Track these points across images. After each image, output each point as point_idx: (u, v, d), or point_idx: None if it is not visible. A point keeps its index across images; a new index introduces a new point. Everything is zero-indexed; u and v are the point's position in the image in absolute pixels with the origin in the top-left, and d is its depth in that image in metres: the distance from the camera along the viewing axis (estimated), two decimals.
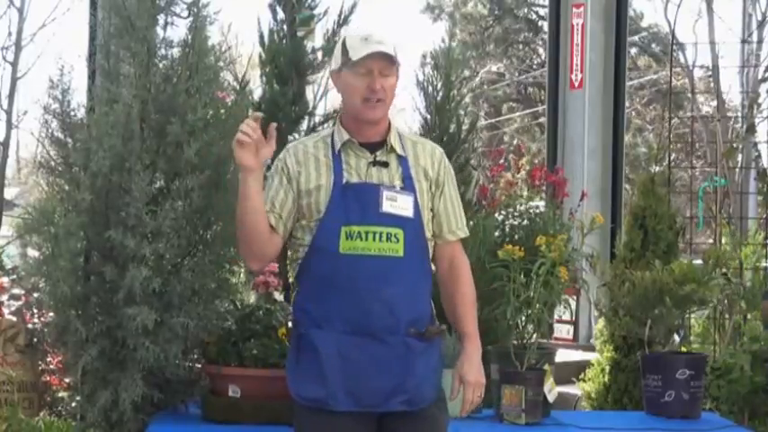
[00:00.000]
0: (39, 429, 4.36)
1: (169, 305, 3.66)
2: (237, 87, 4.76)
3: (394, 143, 3.06)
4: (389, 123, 3.09)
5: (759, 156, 9.11)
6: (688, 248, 6.11)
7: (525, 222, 4.33)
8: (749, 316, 5.15)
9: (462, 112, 5.31)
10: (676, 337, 4.21)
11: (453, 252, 3.17)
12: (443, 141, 5.09)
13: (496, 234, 4.31)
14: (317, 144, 3.09)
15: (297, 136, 5.42)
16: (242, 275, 4.44)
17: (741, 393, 4.77)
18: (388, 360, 2.93)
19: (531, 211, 4.39)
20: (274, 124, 2.98)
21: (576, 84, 8.34)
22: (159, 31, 3.88)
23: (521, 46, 27.01)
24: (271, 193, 3.04)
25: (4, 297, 5.05)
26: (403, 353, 2.95)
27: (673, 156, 6.96)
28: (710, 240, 6.26)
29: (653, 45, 25.72)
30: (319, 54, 5.28)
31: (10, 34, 13.81)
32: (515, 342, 3.92)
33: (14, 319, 4.80)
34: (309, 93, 5.37)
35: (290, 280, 5.15)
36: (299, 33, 5.22)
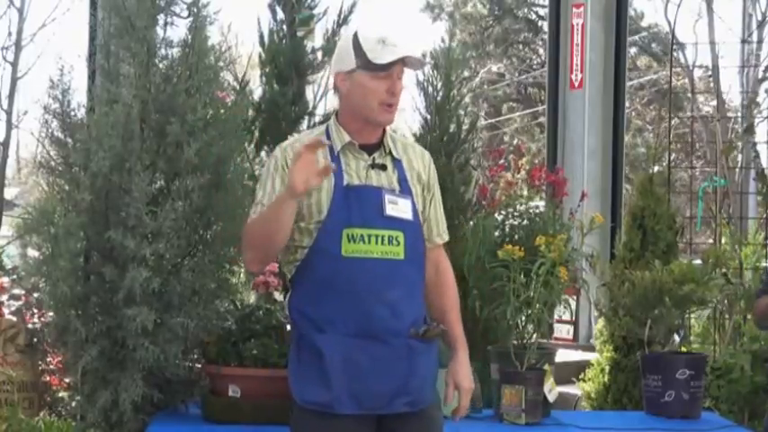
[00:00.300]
0: (39, 429, 4.36)
1: (169, 305, 3.66)
2: (237, 87, 4.76)
3: (390, 146, 3.06)
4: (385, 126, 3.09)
5: (757, 156, 9.10)
6: (688, 248, 6.11)
7: (525, 222, 4.33)
8: (749, 316, 5.15)
9: (462, 112, 5.30)
10: (676, 337, 4.21)
11: (439, 256, 3.18)
12: (443, 141, 5.08)
13: (496, 234, 4.30)
14: None
15: (297, 136, 5.42)
16: (242, 275, 4.44)
17: (741, 393, 4.78)
18: (391, 362, 2.93)
19: (531, 211, 4.39)
20: (333, 166, 2.88)
21: (576, 84, 8.33)
22: (159, 31, 3.88)
23: (521, 46, 27.01)
24: (272, 194, 3.01)
25: (4, 297, 5.05)
26: (406, 354, 2.95)
27: (672, 156, 6.95)
28: (710, 240, 6.26)
29: (653, 45, 25.72)
30: (319, 54, 5.27)
31: (10, 34, 13.81)
32: (515, 342, 3.93)
33: (14, 319, 4.80)
34: (309, 93, 5.37)
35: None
36: (299, 33, 5.22)
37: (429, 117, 5.17)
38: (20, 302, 4.95)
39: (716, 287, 4.15)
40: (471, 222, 4.56)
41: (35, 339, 4.67)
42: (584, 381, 5.36)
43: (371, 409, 2.93)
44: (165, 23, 3.89)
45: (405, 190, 3.04)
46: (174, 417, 3.73)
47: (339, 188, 2.96)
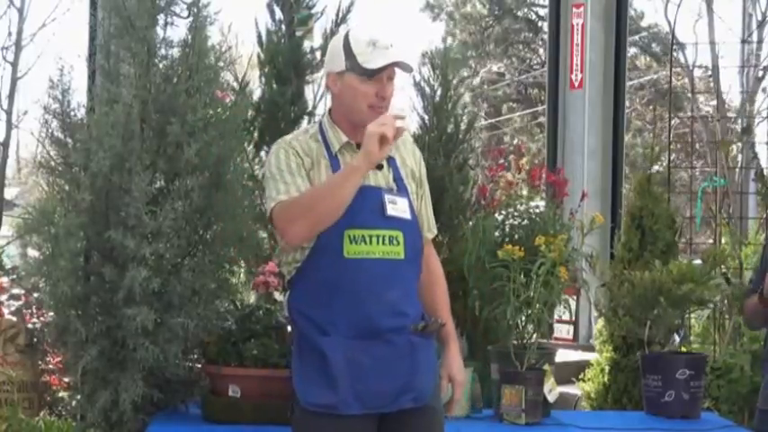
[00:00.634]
0: (39, 429, 4.36)
1: (169, 305, 3.66)
2: (237, 87, 4.76)
3: None
4: None
5: (756, 157, 9.10)
6: (688, 248, 6.11)
7: (525, 222, 4.33)
8: None
9: (460, 112, 5.30)
10: (676, 337, 4.21)
11: (429, 252, 3.19)
12: (441, 141, 5.08)
13: (496, 234, 4.30)
14: (310, 143, 3.05)
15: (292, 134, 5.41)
16: (242, 275, 4.44)
17: (741, 393, 4.78)
18: (394, 361, 2.93)
19: (531, 211, 4.39)
20: (405, 127, 2.86)
21: (576, 84, 8.34)
22: (159, 31, 3.88)
23: (521, 46, 27.01)
24: (299, 182, 2.95)
25: (4, 297, 5.05)
26: (408, 352, 2.96)
27: (672, 156, 6.96)
28: (710, 240, 6.26)
29: (653, 45, 25.73)
30: (318, 54, 5.28)
31: (10, 34, 13.81)
32: (515, 342, 3.92)
33: (14, 319, 4.81)
34: (309, 93, 5.37)
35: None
36: (298, 33, 5.22)
37: (427, 117, 5.17)
38: (20, 302, 4.95)
39: (714, 287, 4.15)
40: (471, 222, 4.56)
41: (35, 339, 4.67)
42: (584, 381, 5.36)
43: (376, 408, 2.94)
44: (165, 23, 3.89)
45: (401, 188, 3.05)
46: (174, 417, 3.73)
47: None
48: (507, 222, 4.39)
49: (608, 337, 5.13)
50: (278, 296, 3.98)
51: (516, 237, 4.27)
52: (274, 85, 5.16)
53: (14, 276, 5.13)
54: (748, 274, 5.57)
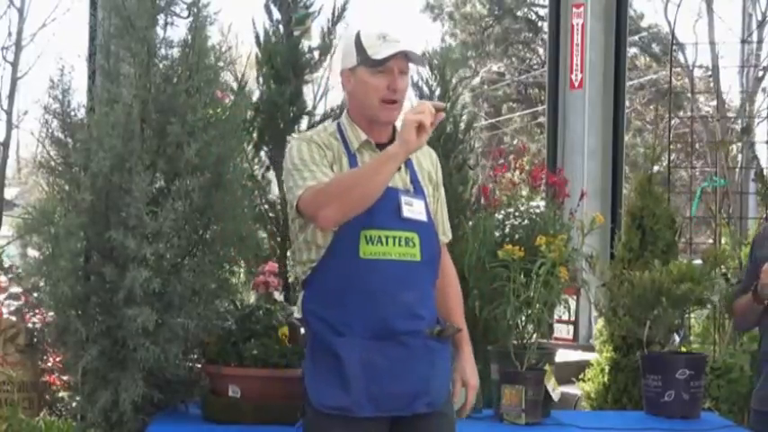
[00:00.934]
0: (39, 429, 4.36)
1: (169, 305, 3.66)
2: (236, 88, 4.76)
3: None
4: (393, 124, 3.06)
5: (755, 157, 9.11)
6: (688, 248, 6.11)
7: (525, 222, 4.33)
8: None
9: (459, 112, 5.30)
10: (676, 337, 4.21)
11: (444, 256, 3.18)
12: (440, 141, 5.08)
13: (496, 234, 4.31)
14: (330, 139, 3.02)
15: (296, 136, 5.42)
16: (242, 275, 4.44)
17: (741, 393, 4.78)
18: (410, 363, 2.91)
19: (532, 211, 4.39)
20: (442, 115, 2.84)
21: (576, 84, 8.35)
22: (159, 31, 3.88)
23: (521, 46, 27.02)
24: (325, 170, 2.93)
25: (2, 296, 5.05)
26: (425, 355, 2.93)
27: (672, 156, 6.96)
28: (710, 240, 6.26)
29: (653, 45, 25.73)
30: (316, 53, 5.28)
31: (10, 34, 13.84)
32: (515, 342, 3.92)
33: (14, 319, 4.81)
34: (310, 92, 5.37)
35: (290, 279, 5.15)
36: (296, 33, 5.22)
37: None
38: (20, 302, 4.95)
39: (713, 287, 4.15)
40: (471, 222, 4.56)
41: (35, 339, 4.67)
42: (583, 381, 5.36)
43: (390, 411, 2.90)
44: (166, 23, 3.89)
45: (418, 190, 3.03)
46: (174, 417, 3.73)
47: None
48: (507, 222, 4.39)
49: (608, 337, 5.14)
50: (278, 296, 3.98)
51: (516, 237, 4.27)
52: (273, 85, 5.16)
53: (12, 275, 5.13)
54: None
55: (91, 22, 5.02)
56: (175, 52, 3.88)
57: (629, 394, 4.99)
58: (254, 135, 5.07)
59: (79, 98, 3.99)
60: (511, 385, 3.82)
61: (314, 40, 5.25)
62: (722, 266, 4.43)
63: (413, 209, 2.96)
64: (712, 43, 17.66)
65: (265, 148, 5.29)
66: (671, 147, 6.76)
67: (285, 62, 5.13)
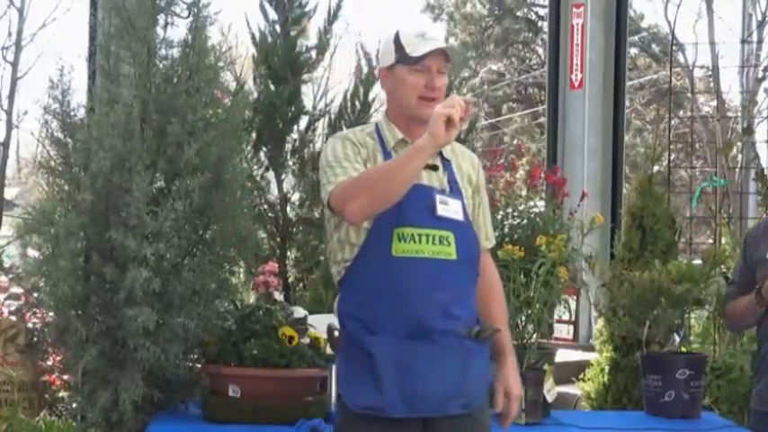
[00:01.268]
0: (39, 429, 4.36)
1: (169, 306, 3.66)
2: (235, 87, 4.77)
3: None
4: None
5: (756, 156, 9.11)
6: (688, 248, 6.11)
7: (525, 222, 4.34)
8: None
9: None
10: (676, 337, 4.21)
11: (486, 261, 3.12)
12: None
13: (496, 234, 4.31)
14: (366, 138, 3.00)
15: (294, 136, 5.43)
16: (242, 275, 4.44)
17: (741, 393, 4.78)
18: (444, 363, 2.85)
19: (531, 211, 4.39)
20: (474, 109, 2.84)
21: (576, 84, 8.34)
22: (159, 31, 3.88)
23: (521, 46, 27.03)
24: (357, 167, 2.90)
25: (2, 296, 5.05)
26: (459, 355, 2.88)
27: (672, 156, 6.96)
28: (710, 240, 6.26)
29: (653, 45, 25.74)
30: (313, 53, 5.28)
31: (10, 34, 13.85)
32: (515, 342, 3.92)
33: (14, 319, 4.81)
34: (309, 92, 5.38)
35: (290, 279, 5.15)
36: (292, 33, 5.23)
37: None
38: (20, 302, 4.95)
39: (713, 287, 4.15)
40: None
41: (35, 339, 4.67)
42: (583, 381, 5.36)
43: (424, 412, 2.85)
44: (166, 23, 3.90)
45: (455, 191, 2.99)
46: (174, 417, 3.73)
47: None
48: (507, 222, 4.39)
49: (608, 337, 5.14)
50: (278, 296, 3.99)
51: (516, 237, 4.28)
52: (271, 86, 5.17)
53: (12, 275, 5.13)
54: None
55: (91, 22, 5.02)
56: (175, 52, 3.89)
57: (629, 394, 4.99)
58: (253, 135, 5.08)
59: (79, 98, 4.00)
60: None
61: (311, 39, 5.26)
62: (722, 266, 4.43)
63: (448, 208, 2.92)
64: (712, 43, 17.67)
65: (264, 149, 5.30)
66: (671, 147, 6.76)
67: (282, 62, 5.15)
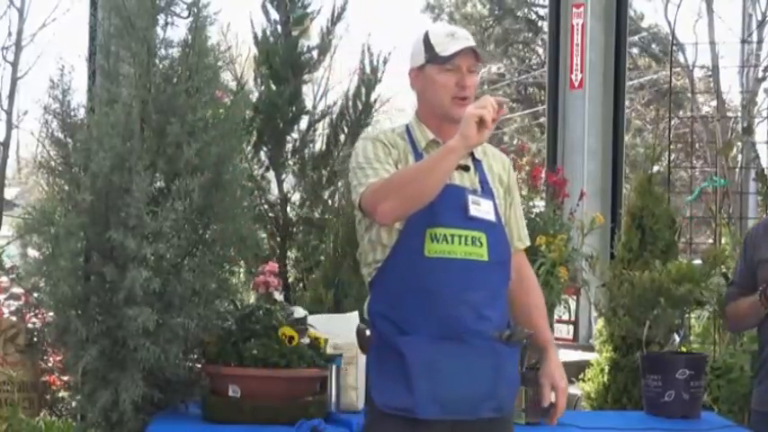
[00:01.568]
0: (39, 429, 4.36)
1: (169, 306, 3.66)
2: (235, 88, 4.77)
3: None
4: None
5: (757, 156, 9.11)
6: (688, 248, 6.11)
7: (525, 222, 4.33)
8: None
9: None
10: (676, 337, 4.21)
11: (521, 261, 3.12)
12: None
13: None
14: (396, 139, 2.99)
15: (295, 136, 5.43)
16: (242, 275, 4.44)
17: (741, 393, 4.77)
18: (476, 365, 2.84)
19: (532, 210, 4.39)
20: (505, 109, 2.79)
21: (576, 84, 8.34)
22: (159, 31, 3.89)
23: (521, 46, 27.02)
24: (388, 168, 2.89)
25: (2, 296, 5.05)
26: (491, 357, 2.87)
27: (672, 156, 6.96)
28: (710, 240, 6.26)
29: (653, 45, 25.73)
30: (315, 53, 5.28)
31: (10, 34, 13.85)
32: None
33: (14, 319, 4.80)
34: (309, 92, 5.37)
35: (290, 279, 5.15)
36: (294, 33, 5.23)
37: None
38: (20, 302, 4.95)
39: (713, 287, 4.15)
40: None
41: (35, 339, 4.67)
42: (583, 381, 5.36)
43: (455, 414, 2.83)
44: (165, 23, 3.90)
45: (486, 191, 2.98)
46: (174, 417, 3.73)
47: None
48: None
49: (608, 337, 5.13)
50: (278, 296, 3.98)
51: None
52: (272, 86, 5.16)
53: (13, 276, 5.13)
54: None
55: (91, 22, 5.01)
56: (175, 52, 3.89)
57: (629, 394, 4.98)
58: (254, 135, 5.07)
59: (79, 98, 4.01)
60: None
61: (313, 39, 5.25)
62: (722, 266, 4.43)
63: (480, 208, 2.91)
64: (712, 43, 17.64)
65: (264, 148, 5.29)
66: (671, 147, 6.76)
67: (284, 62, 5.14)
